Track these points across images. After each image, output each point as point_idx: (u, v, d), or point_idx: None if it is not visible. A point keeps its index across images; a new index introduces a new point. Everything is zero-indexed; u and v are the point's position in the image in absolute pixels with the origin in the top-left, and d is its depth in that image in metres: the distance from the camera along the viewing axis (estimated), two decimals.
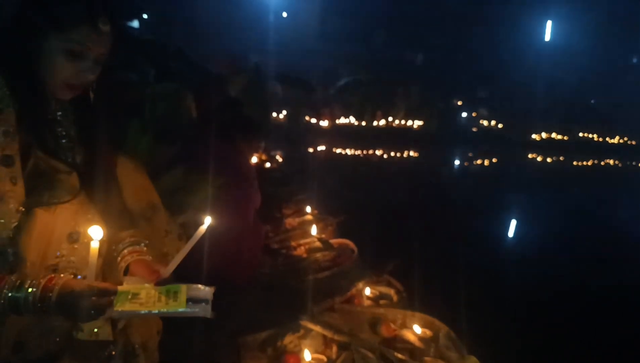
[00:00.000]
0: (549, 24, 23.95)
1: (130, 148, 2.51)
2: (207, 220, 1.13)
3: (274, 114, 12.52)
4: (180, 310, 1.02)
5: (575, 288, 4.23)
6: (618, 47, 23.98)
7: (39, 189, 1.10)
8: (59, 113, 1.19)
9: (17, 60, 1.08)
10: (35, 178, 1.10)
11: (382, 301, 2.78)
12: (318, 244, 3.34)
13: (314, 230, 3.57)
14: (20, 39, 1.08)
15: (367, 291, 2.79)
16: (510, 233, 6.55)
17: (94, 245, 0.95)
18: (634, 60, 25.09)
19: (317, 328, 2.16)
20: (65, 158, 1.17)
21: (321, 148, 12.62)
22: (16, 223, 1.05)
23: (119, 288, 1.03)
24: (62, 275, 1.01)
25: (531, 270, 4.52)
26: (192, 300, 1.04)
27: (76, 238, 1.16)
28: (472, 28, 20.44)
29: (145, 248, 1.24)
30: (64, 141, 1.18)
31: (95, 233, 1.00)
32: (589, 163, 15.17)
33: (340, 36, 19.56)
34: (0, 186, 1.01)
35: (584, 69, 21.88)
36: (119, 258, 1.21)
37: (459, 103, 16.80)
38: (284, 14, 20.50)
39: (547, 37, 24.14)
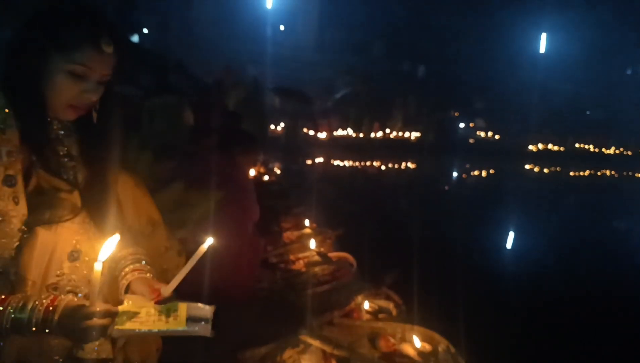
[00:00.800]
0: (543, 36, 24.24)
1: (130, 163, 2.51)
2: (209, 240, 1.13)
3: (272, 126, 12.54)
4: (180, 329, 1.02)
5: (576, 301, 4.22)
6: (612, 59, 24.24)
7: (41, 208, 1.11)
8: (61, 132, 1.19)
9: (21, 80, 1.08)
10: (37, 196, 1.10)
11: (381, 315, 2.77)
12: (317, 258, 3.34)
13: (312, 243, 3.57)
14: (24, 59, 1.08)
15: (366, 305, 2.79)
16: (510, 244, 6.55)
17: (98, 267, 0.96)
18: (628, 71, 25.35)
19: (316, 343, 2.15)
20: (67, 177, 1.17)
21: (319, 159, 12.64)
22: (18, 243, 1.06)
23: (120, 308, 1.03)
24: (62, 296, 1.01)
25: (531, 283, 4.51)
26: (192, 319, 1.04)
27: (77, 257, 1.16)
28: (469, 41, 20.69)
29: (145, 266, 1.24)
30: (65, 159, 1.19)
31: (102, 255, 1.00)
32: (586, 173, 15.23)
33: (337, 48, 19.73)
34: (2, 205, 1.02)
35: (578, 81, 22.08)
36: (120, 277, 1.21)
37: (456, 114, 16.88)
38: (281, 27, 20.69)
39: (542, 49, 24.42)
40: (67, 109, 1.13)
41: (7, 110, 1.06)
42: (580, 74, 22.54)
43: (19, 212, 1.05)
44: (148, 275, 1.21)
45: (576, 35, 23.21)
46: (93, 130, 1.22)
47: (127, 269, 1.21)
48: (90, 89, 1.12)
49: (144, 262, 1.24)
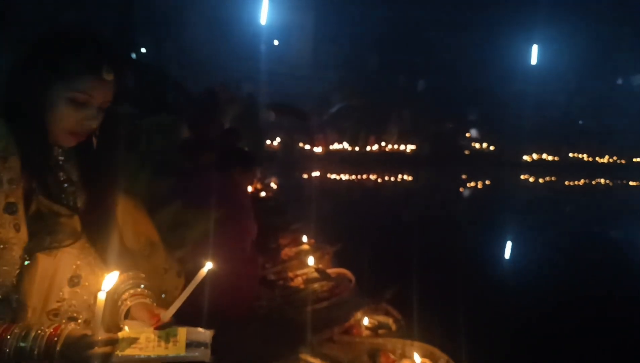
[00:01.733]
0: (534, 48, 24.60)
1: (128, 184, 2.52)
2: (208, 265, 1.13)
3: (268, 141, 12.59)
4: (180, 354, 1.03)
5: (578, 313, 4.20)
6: (603, 69, 24.55)
7: (41, 234, 1.11)
8: (61, 158, 1.20)
9: (22, 108, 1.09)
10: (37, 222, 1.11)
11: (380, 331, 2.77)
12: (315, 274, 3.34)
13: (310, 260, 3.57)
14: (26, 87, 1.09)
15: (366, 321, 2.78)
16: (510, 256, 6.55)
17: (101, 297, 0.96)
18: (619, 81, 25.66)
19: (316, 361, 2.15)
20: (67, 202, 1.18)
21: (316, 173, 12.66)
22: (19, 270, 1.06)
23: (120, 334, 1.04)
24: (64, 326, 1.01)
25: (533, 295, 4.48)
26: (191, 344, 1.05)
27: (77, 282, 1.16)
28: (462, 54, 20.92)
29: (145, 290, 1.23)
30: (66, 185, 1.20)
31: (105, 285, 1.00)
32: (581, 182, 15.32)
33: (331, 63, 19.89)
34: (4, 233, 1.03)
35: (570, 91, 22.36)
36: (119, 301, 1.20)
37: (451, 126, 17.02)
38: (275, 42, 20.86)
39: (534, 60, 24.77)
40: (67, 136, 1.13)
41: (8, 137, 1.07)
42: (571, 85, 22.84)
43: (20, 239, 1.05)
44: (147, 299, 1.21)
45: (567, 46, 23.55)
46: (93, 155, 1.23)
47: (126, 294, 1.21)
48: (90, 116, 1.13)
49: (142, 286, 1.24)
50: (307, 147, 13.53)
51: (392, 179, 13.47)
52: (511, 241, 7.22)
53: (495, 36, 21.65)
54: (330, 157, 13.82)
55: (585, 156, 17.79)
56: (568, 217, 9.89)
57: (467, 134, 17.16)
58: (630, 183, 15.70)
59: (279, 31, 20.71)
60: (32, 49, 1.12)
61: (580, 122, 20.95)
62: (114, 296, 1.24)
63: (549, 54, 24.42)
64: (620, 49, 23.90)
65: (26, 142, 1.09)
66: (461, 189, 13.01)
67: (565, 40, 23.27)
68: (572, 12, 22.56)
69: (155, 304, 1.22)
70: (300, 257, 3.72)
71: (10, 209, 1.04)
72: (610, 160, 17.79)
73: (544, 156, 17.16)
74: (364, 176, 13.05)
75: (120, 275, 1.25)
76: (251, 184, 3.60)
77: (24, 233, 1.06)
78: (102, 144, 1.23)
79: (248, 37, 18.75)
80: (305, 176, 12.32)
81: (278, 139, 13.14)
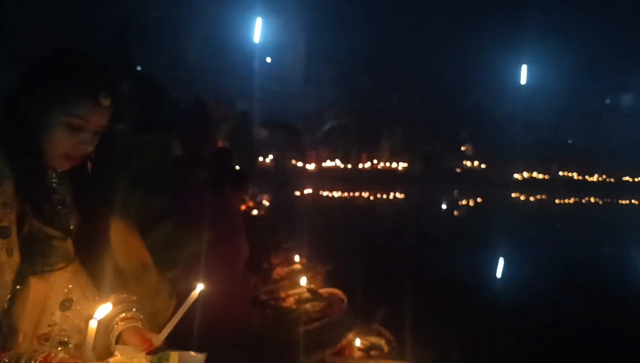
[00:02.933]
0: (524, 68, 25.08)
1: (121, 204, 2.50)
2: (199, 287, 1.13)
3: (260, 158, 12.60)
4: None
5: (571, 331, 4.21)
6: (592, 88, 25.03)
7: (33, 257, 1.10)
8: (55, 180, 1.19)
9: (18, 132, 1.09)
10: (30, 244, 1.10)
11: (373, 352, 2.75)
12: (307, 294, 3.32)
13: (303, 280, 3.56)
14: (22, 111, 1.09)
15: (358, 342, 2.77)
16: (503, 274, 6.56)
17: (93, 325, 0.95)
18: (607, 100, 26.14)
19: None
20: (60, 225, 1.17)
21: (308, 191, 12.67)
22: (11, 294, 1.05)
23: (111, 360, 1.02)
24: (55, 354, 0.99)
25: (526, 314, 4.49)
26: None
27: (68, 306, 1.15)
28: (453, 73, 21.27)
29: (136, 313, 1.22)
30: (59, 207, 1.19)
31: (99, 313, 0.99)
32: (571, 201, 15.46)
33: (324, 81, 20.09)
34: None
35: (560, 110, 22.72)
36: (111, 327, 1.19)
37: (442, 144, 17.17)
38: (268, 60, 21.03)
39: (523, 80, 25.23)
40: (62, 160, 1.13)
41: (2, 160, 1.06)
42: (560, 104, 23.23)
43: (12, 264, 1.04)
44: (138, 323, 1.19)
45: (556, 66, 24.03)
46: (87, 178, 1.23)
47: (117, 318, 1.19)
48: (86, 140, 1.12)
49: (134, 310, 1.23)
50: (300, 164, 13.54)
51: (384, 196, 13.51)
52: (504, 259, 7.24)
53: (485, 57, 22.06)
54: (323, 174, 13.85)
55: (575, 174, 17.97)
56: (559, 235, 9.95)
57: (463, 148, 17.30)
58: (620, 201, 15.88)
59: (273, 49, 20.93)
60: (29, 74, 1.12)
61: (570, 141, 21.24)
62: (105, 321, 1.23)
63: (538, 74, 24.90)
64: (608, 69, 24.41)
65: (21, 165, 1.08)
66: (453, 208, 13.07)
67: (554, 60, 23.75)
68: (560, 32, 23.08)
69: (146, 328, 1.21)
70: (293, 277, 3.70)
71: (3, 233, 1.03)
72: (600, 179, 17.98)
73: (535, 174, 17.31)
74: (356, 194, 13.07)
75: (111, 297, 1.25)
76: (243, 202, 3.60)
77: (16, 257, 1.05)
78: (96, 166, 1.22)
79: (241, 55, 18.91)
80: (297, 193, 12.32)
81: (270, 156, 13.15)
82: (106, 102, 1.11)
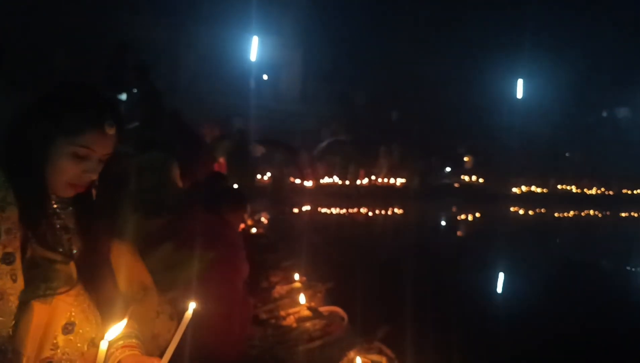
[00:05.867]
0: (519, 82, 25.35)
1: (122, 225, 2.51)
2: (191, 305, 1.12)
3: (259, 176, 12.61)
4: None
5: (573, 344, 4.19)
6: (587, 102, 25.27)
7: (36, 281, 1.11)
8: (58, 205, 1.21)
9: (23, 161, 1.10)
10: (32, 269, 1.11)
11: None
12: (307, 313, 3.32)
13: (302, 298, 3.55)
14: (27, 141, 1.10)
15: (359, 360, 2.75)
16: (503, 289, 6.52)
17: (103, 347, 0.95)
18: (604, 114, 26.38)
19: None
20: (63, 250, 1.18)
21: (306, 207, 12.67)
22: (14, 321, 1.06)
23: None
24: None
25: (527, 331, 4.44)
26: None
27: (71, 329, 1.15)
28: (450, 90, 21.49)
29: (134, 340, 1.21)
30: (62, 232, 1.20)
31: (110, 334, 1.00)
32: (570, 214, 15.47)
33: (321, 98, 20.24)
34: (0, 284, 1.03)
35: (556, 124, 22.90)
36: (110, 353, 1.18)
37: (440, 160, 17.23)
38: (265, 77, 21.20)
39: (519, 94, 25.50)
40: (66, 187, 1.14)
41: (6, 188, 1.08)
42: (557, 117, 23.42)
43: (16, 290, 1.05)
44: (138, 351, 1.19)
45: (552, 80, 24.29)
46: (90, 204, 1.24)
47: (116, 345, 1.19)
48: (91, 169, 1.14)
49: (134, 336, 1.22)
50: (298, 181, 13.55)
51: (383, 212, 13.50)
52: (505, 274, 7.21)
53: (481, 72, 22.31)
54: (321, 191, 13.84)
55: (573, 187, 18.00)
56: (559, 249, 9.94)
57: (464, 160, 17.34)
58: (621, 214, 15.91)
59: (269, 68, 21.16)
60: (35, 105, 1.13)
61: (567, 154, 21.33)
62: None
63: (534, 89, 25.18)
64: (603, 83, 24.68)
65: (25, 193, 1.09)
66: (452, 223, 13.07)
67: (550, 74, 24.02)
68: (556, 46, 23.40)
69: (145, 352, 1.21)
70: (292, 295, 3.69)
71: (7, 259, 1.04)
72: (598, 191, 18.01)
73: (533, 188, 17.34)
74: (355, 210, 13.06)
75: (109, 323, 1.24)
76: (242, 222, 3.60)
77: (20, 283, 1.06)
78: (100, 192, 1.24)
79: (238, 73, 19.08)
80: (296, 210, 12.31)
81: (269, 174, 13.16)
82: (111, 131, 1.13)
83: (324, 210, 12.60)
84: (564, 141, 22.12)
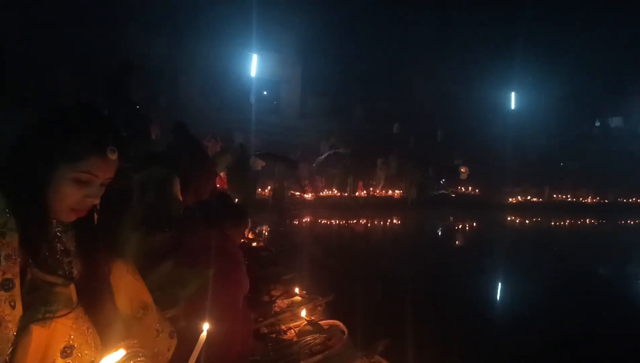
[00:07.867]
0: (512, 95, 25.68)
1: (122, 243, 2.52)
2: (205, 326, 1.14)
3: (259, 189, 12.67)
4: None
5: (570, 353, 4.18)
6: (580, 112, 25.46)
7: (35, 305, 1.10)
8: (59, 229, 1.20)
9: (24, 186, 1.09)
10: (32, 292, 1.10)
11: None
12: (308, 327, 3.32)
13: (303, 312, 3.55)
14: (29, 167, 1.09)
15: None
16: (503, 301, 6.50)
17: None
18: (597, 123, 26.55)
19: None
20: (63, 273, 1.17)
21: (306, 219, 12.69)
22: (12, 347, 1.04)
23: None
24: None
25: (528, 341, 4.44)
26: None
27: (70, 353, 1.14)
28: (444, 101, 21.68)
29: (144, 359, 1.21)
30: (62, 256, 1.20)
31: (110, 359, 1.00)
32: (566, 223, 15.48)
33: (319, 112, 20.40)
34: None
35: (550, 134, 23.07)
36: None
37: (436, 171, 17.29)
38: (265, 93, 21.40)
39: (513, 106, 25.78)
40: (69, 213, 1.14)
41: (7, 214, 1.06)
42: (551, 128, 23.60)
43: (14, 317, 1.03)
44: None
45: (544, 90, 24.52)
46: (92, 228, 1.24)
47: None
48: (93, 194, 1.14)
49: (141, 357, 1.22)
50: (298, 194, 13.60)
51: (382, 223, 13.52)
52: (504, 286, 7.20)
53: (476, 84, 22.51)
54: (320, 203, 13.88)
55: (569, 196, 18.05)
56: (556, 257, 9.93)
57: (462, 169, 17.40)
58: (620, 222, 15.92)
59: (269, 83, 21.35)
60: (37, 131, 1.12)
61: (562, 164, 21.41)
62: None
63: (529, 99, 25.40)
64: (596, 93, 24.86)
65: (26, 219, 1.08)
66: (450, 233, 13.05)
67: (543, 85, 24.23)
68: (549, 57, 23.62)
69: None
70: (293, 309, 3.69)
71: (6, 285, 1.02)
72: (594, 200, 18.05)
73: (529, 197, 17.39)
74: (354, 221, 13.08)
75: (121, 344, 1.23)
76: (243, 237, 3.61)
77: (18, 310, 1.05)
78: (101, 216, 1.24)
79: (237, 87, 19.24)
80: (296, 222, 12.33)
81: (269, 187, 13.22)
82: (113, 156, 1.14)
83: (323, 222, 12.61)
84: (559, 151, 22.25)
